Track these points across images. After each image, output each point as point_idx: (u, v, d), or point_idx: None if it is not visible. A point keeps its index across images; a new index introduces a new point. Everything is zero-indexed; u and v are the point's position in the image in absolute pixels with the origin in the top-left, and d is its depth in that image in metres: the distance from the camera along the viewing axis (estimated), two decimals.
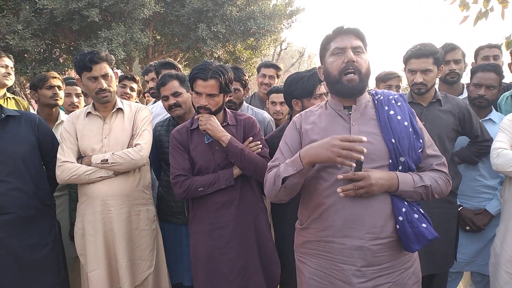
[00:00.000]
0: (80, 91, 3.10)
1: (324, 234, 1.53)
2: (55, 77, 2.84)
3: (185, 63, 13.68)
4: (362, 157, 1.35)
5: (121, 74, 3.49)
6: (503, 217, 2.29)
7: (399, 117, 1.54)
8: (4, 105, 3.02)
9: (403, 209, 1.47)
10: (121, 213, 2.23)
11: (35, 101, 2.93)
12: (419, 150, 1.54)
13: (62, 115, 2.91)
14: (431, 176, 1.53)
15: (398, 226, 1.47)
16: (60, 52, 11.91)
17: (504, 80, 2.76)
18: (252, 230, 2.15)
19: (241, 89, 2.89)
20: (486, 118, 2.61)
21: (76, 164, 2.20)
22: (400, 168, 1.50)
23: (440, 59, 2.35)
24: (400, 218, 1.46)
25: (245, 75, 2.92)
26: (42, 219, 2.22)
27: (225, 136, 2.03)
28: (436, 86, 2.57)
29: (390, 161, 1.49)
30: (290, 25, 13.87)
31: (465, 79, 3.08)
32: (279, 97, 3.00)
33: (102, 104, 2.28)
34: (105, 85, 2.20)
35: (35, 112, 2.85)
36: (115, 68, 2.37)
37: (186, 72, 5.15)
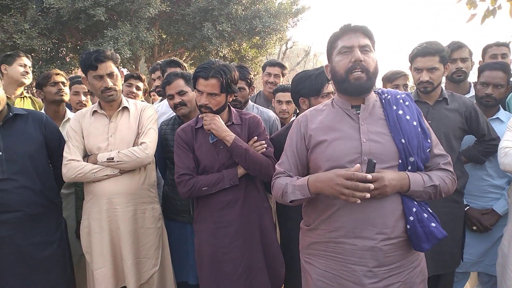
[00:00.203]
0: (87, 90, 3.11)
1: (334, 235, 1.52)
2: (59, 74, 2.88)
3: (191, 62, 13.71)
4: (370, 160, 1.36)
5: (127, 73, 3.50)
6: (511, 217, 2.26)
7: (408, 117, 1.53)
8: (20, 104, 3.09)
9: (414, 209, 1.47)
10: (126, 211, 2.24)
11: (42, 99, 2.96)
12: (428, 150, 1.53)
13: (69, 113, 2.93)
14: (439, 176, 1.53)
15: (408, 226, 1.47)
16: (67, 51, 12.00)
17: None
18: (256, 230, 2.14)
19: (246, 88, 2.88)
20: (494, 117, 2.58)
21: (82, 163, 2.21)
22: (409, 168, 1.49)
23: (446, 57, 2.33)
24: (411, 218, 1.46)
25: (250, 74, 2.92)
26: (49, 217, 2.23)
27: (230, 136, 2.03)
28: (443, 85, 2.55)
29: (400, 161, 1.49)
30: (295, 24, 13.85)
31: (473, 77, 3.06)
32: (285, 96, 2.99)
33: (108, 103, 2.29)
34: (110, 84, 2.21)
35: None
36: (121, 67, 2.38)
37: (191, 70, 5.15)
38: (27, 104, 3.21)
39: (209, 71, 1.98)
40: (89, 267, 2.30)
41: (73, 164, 2.19)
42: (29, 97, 3.27)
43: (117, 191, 2.22)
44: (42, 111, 2.88)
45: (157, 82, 3.63)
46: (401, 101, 1.58)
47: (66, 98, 2.87)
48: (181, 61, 3.23)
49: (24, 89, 3.33)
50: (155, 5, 10.35)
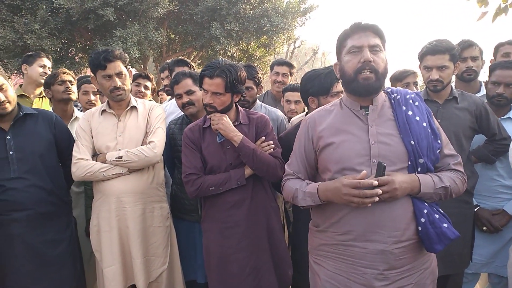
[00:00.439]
0: (96, 89, 3.14)
1: (344, 238, 1.52)
2: (66, 73, 2.88)
3: (199, 62, 13.74)
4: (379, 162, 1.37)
5: (135, 72, 3.53)
6: None
7: (417, 118, 1.51)
8: (39, 104, 3.15)
9: (425, 211, 1.46)
10: (135, 210, 2.25)
11: (50, 98, 2.99)
12: (437, 151, 1.52)
13: (77, 112, 2.96)
14: (449, 176, 1.51)
15: (420, 228, 1.45)
16: (76, 51, 12.10)
17: None
18: (264, 230, 2.14)
19: (254, 87, 2.88)
20: (505, 116, 2.55)
21: (91, 161, 2.23)
22: (419, 169, 1.48)
23: (456, 56, 2.31)
24: (422, 220, 1.45)
25: (258, 73, 2.91)
26: (59, 215, 2.26)
27: (237, 136, 2.02)
28: (453, 84, 2.52)
29: (409, 163, 1.47)
30: (303, 23, 13.77)
31: (484, 76, 3.02)
32: (294, 96, 2.97)
33: (117, 102, 2.31)
34: (119, 83, 2.23)
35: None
36: (129, 66, 2.40)
37: (199, 70, 5.16)
38: (45, 104, 3.27)
39: (214, 70, 1.98)
40: (99, 265, 2.32)
41: (82, 163, 2.21)
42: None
43: (126, 190, 2.24)
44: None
45: (166, 82, 3.65)
46: (410, 101, 1.56)
47: (74, 96, 2.89)
48: (189, 60, 3.24)
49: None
50: (163, 5, 10.39)
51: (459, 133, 2.30)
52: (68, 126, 2.68)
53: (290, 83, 3.31)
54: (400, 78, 3.31)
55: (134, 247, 2.24)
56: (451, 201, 2.17)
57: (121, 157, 2.19)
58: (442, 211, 1.51)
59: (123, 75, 2.26)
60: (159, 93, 5.25)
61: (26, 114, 2.23)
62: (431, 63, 2.30)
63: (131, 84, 2.42)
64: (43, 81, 3.16)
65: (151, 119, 2.35)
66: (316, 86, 2.10)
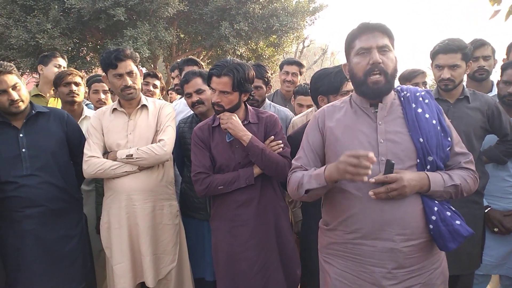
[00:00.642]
0: (107, 88, 3.17)
1: (352, 237, 1.51)
2: (72, 74, 2.83)
3: (208, 61, 13.79)
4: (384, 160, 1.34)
5: (144, 71, 3.55)
6: None
7: (427, 115, 1.50)
8: (54, 103, 3.19)
9: (436, 208, 1.44)
10: (145, 208, 2.27)
11: (59, 97, 3.00)
12: (447, 149, 1.50)
13: (86, 111, 2.97)
14: (460, 175, 1.49)
15: (431, 226, 1.44)
16: (87, 50, 12.23)
17: None
18: (272, 229, 2.14)
19: (264, 86, 2.88)
20: None
21: (102, 159, 2.25)
22: (428, 167, 1.46)
23: (468, 55, 2.28)
24: (433, 218, 1.43)
25: (268, 73, 2.91)
26: (70, 212, 2.29)
27: (246, 135, 2.02)
28: (464, 83, 2.50)
29: (418, 160, 1.46)
30: (313, 22, 13.73)
31: (496, 76, 2.98)
32: (307, 100, 2.92)
33: (127, 101, 2.33)
34: (130, 82, 2.25)
35: None
36: (140, 65, 2.41)
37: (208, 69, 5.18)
38: (60, 104, 3.30)
39: (221, 69, 1.99)
40: (108, 262, 2.35)
41: (93, 161, 2.24)
42: None
43: (136, 187, 2.26)
44: None
45: (176, 81, 3.67)
46: (420, 98, 1.55)
47: (79, 98, 2.85)
48: (198, 59, 3.26)
49: None
50: (173, 5, 10.45)
51: (469, 133, 2.28)
52: None
53: (301, 83, 3.29)
54: (409, 78, 3.28)
55: (144, 244, 2.26)
56: (460, 201, 2.15)
57: (132, 155, 2.21)
58: (454, 209, 1.50)
59: (134, 74, 2.28)
60: (169, 92, 5.28)
61: (38, 113, 2.26)
62: (443, 62, 2.28)
63: (141, 83, 2.44)
64: None
65: (161, 117, 2.36)
66: (326, 85, 2.10)
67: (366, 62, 1.47)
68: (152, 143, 2.29)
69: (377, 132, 1.49)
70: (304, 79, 4.16)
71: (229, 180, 2.07)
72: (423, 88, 3.18)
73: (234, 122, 2.03)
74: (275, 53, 14.07)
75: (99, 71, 9.73)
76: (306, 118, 2.61)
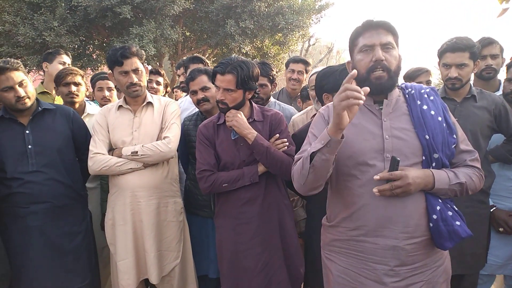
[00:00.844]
0: (112, 86, 3.17)
1: (355, 234, 1.51)
2: (72, 73, 2.78)
3: (214, 59, 13.79)
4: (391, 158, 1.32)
5: (150, 69, 3.56)
6: None
7: (432, 112, 1.49)
8: (60, 101, 3.16)
9: (438, 207, 1.43)
10: (149, 205, 2.28)
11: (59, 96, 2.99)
12: (453, 146, 1.49)
13: (89, 108, 2.94)
14: (465, 173, 1.48)
15: (431, 224, 1.44)
16: (94, 48, 12.27)
17: None
18: (276, 227, 2.14)
19: (269, 84, 2.87)
20: None
21: (107, 156, 2.26)
22: (433, 164, 1.45)
23: (476, 54, 2.26)
24: (434, 217, 1.43)
25: (273, 70, 2.90)
26: (75, 208, 2.30)
27: (251, 133, 2.02)
28: (471, 82, 2.48)
29: (424, 158, 1.45)
30: (318, 20, 13.66)
31: (503, 75, 2.95)
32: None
33: (133, 98, 2.34)
34: (135, 80, 2.26)
35: None
36: (145, 63, 2.42)
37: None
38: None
39: (225, 66, 1.99)
40: (113, 258, 2.36)
41: (98, 158, 2.25)
42: None
43: (140, 184, 2.27)
44: None
45: (181, 78, 3.68)
46: (425, 95, 1.54)
47: (78, 99, 2.82)
48: (203, 57, 3.26)
49: None
50: (179, 3, 10.45)
51: (476, 132, 2.26)
52: None
53: (305, 86, 3.26)
54: (413, 76, 3.26)
55: (148, 241, 2.27)
56: (466, 200, 2.14)
57: (137, 152, 2.22)
58: (456, 209, 1.49)
59: (140, 71, 2.29)
60: (174, 90, 5.28)
61: (44, 109, 2.27)
62: (450, 61, 2.26)
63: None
64: None
65: (166, 115, 2.37)
66: (331, 83, 2.09)
67: (369, 59, 1.46)
68: (157, 140, 2.29)
69: (383, 129, 1.48)
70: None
71: (233, 178, 2.07)
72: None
73: (240, 120, 2.02)
74: (281, 51, 14.04)
75: (105, 68, 9.77)
76: (306, 116, 2.61)
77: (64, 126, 2.32)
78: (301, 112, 2.74)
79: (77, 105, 2.85)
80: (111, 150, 2.33)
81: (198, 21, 12.34)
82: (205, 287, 2.63)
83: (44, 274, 2.15)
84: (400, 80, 1.61)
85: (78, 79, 2.80)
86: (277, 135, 2.13)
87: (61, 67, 3.27)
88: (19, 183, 2.11)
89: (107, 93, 3.15)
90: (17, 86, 2.12)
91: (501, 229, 2.44)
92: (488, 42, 2.73)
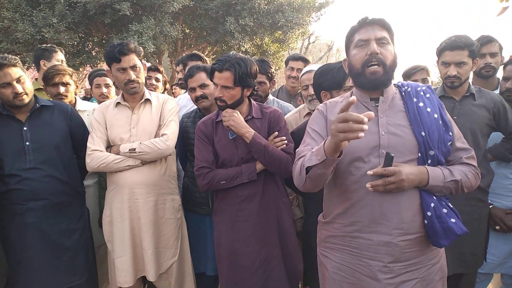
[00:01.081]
0: (110, 82, 3.17)
1: (350, 230, 1.51)
2: (60, 73, 2.69)
3: (213, 57, 13.78)
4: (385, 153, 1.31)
5: (149, 66, 3.55)
6: None
7: (429, 109, 1.49)
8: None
9: (432, 204, 1.43)
10: (147, 202, 2.28)
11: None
12: (449, 143, 1.49)
13: (79, 105, 2.84)
14: (461, 170, 1.48)
15: (426, 222, 1.44)
16: (93, 45, 12.26)
17: None
18: (274, 225, 2.14)
19: (267, 82, 2.87)
20: None
21: (105, 153, 2.26)
22: (429, 161, 1.45)
23: (475, 52, 2.26)
24: (429, 214, 1.43)
25: (271, 68, 2.90)
26: (73, 205, 2.29)
27: (249, 132, 2.02)
28: (470, 80, 2.47)
29: (419, 154, 1.45)
30: (318, 18, 13.67)
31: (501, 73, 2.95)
32: None
33: (131, 95, 2.33)
34: (133, 76, 2.25)
35: None
36: (144, 60, 2.41)
37: None
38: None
39: (223, 63, 1.98)
40: (110, 255, 2.36)
41: (96, 154, 2.24)
42: None
43: (138, 181, 2.26)
44: None
45: (180, 75, 3.67)
46: (421, 93, 1.54)
47: (67, 100, 2.74)
48: (202, 54, 3.26)
49: None
50: (178, 0, 10.44)
51: (475, 130, 2.26)
52: None
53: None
54: (409, 74, 3.25)
55: (146, 238, 2.27)
56: (465, 199, 2.14)
57: (135, 149, 2.21)
58: (451, 206, 1.49)
59: (138, 68, 2.28)
60: (173, 87, 5.27)
61: (42, 106, 2.26)
62: (449, 59, 2.26)
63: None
64: None
65: (164, 112, 2.36)
66: (328, 81, 2.09)
67: (364, 53, 1.47)
68: (155, 138, 2.29)
69: (379, 125, 1.48)
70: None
71: (231, 175, 2.07)
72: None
73: (236, 119, 2.02)
74: (280, 49, 14.04)
75: (105, 65, 9.74)
76: (299, 115, 2.61)
77: (62, 123, 2.31)
78: (294, 110, 2.73)
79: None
80: (109, 147, 2.32)
81: (198, 18, 12.33)
82: (203, 284, 2.64)
83: (41, 271, 2.15)
84: (399, 79, 1.60)
85: (66, 79, 2.73)
86: (276, 132, 2.13)
87: None
88: (17, 180, 2.11)
89: (105, 90, 3.14)
90: (14, 83, 2.11)
91: (497, 227, 2.44)
92: (487, 40, 2.72)
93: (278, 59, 13.79)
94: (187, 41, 13.77)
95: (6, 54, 2.15)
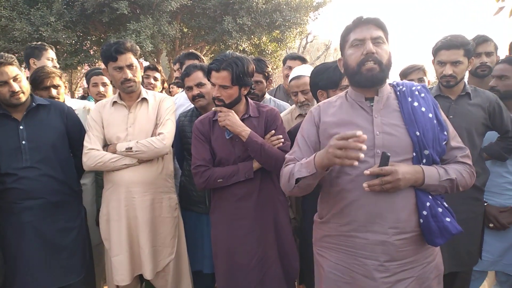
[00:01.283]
0: (107, 81, 3.16)
1: (346, 229, 1.52)
2: (50, 76, 2.60)
3: (211, 56, 13.78)
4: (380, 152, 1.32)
5: (146, 65, 3.56)
6: None
7: (423, 109, 1.50)
8: None
9: (427, 203, 1.44)
10: (144, 200, 2.28)
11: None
12: (444, 143, 1.50)
13: (68, 103, 2.70)
14: (455, 169, 1.49)
15: (421, 221, 1.44)
16: (91, 43, 12.26)
17: None
18: (271, 223, 2.15)
19: (264, 81, 2.87)
20: None
21: (102, 152, 2.26)
22: (424, 161, 1.46)
23: (471, 51, 2.27)
24: (424, 213, 1.43)
25: (268, 67, 2.90)
26: (70, 204, 2.30)
27: (245, 131, 2.02)
28: (466, 80, 2.48)
29: (414, 154, 1.46)
30: (316, 17, 13.71)
31: None
32: None
33: (127, 94, 2.33)
34: (130, 75, 2.25)
35: None
36: (142, 59, 2.41)
37: None
38: None
39: (220, 63, 1.99)
40: (107, 254, 2.36)
41: (93, 153, 2.24)
42: None
43: (135, 180, 2.27)
44: None
45: (177, 74, 3.67)
46: (416, 92, 1.55)
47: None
48: (199, 53, 3.26)
49: None
50: None
51: (471, 129, 2.27)
52: None
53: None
54: (406, 73, 3.26)
55: (142, 237, 2.28)
56: (461, 197, 2.15)
57: (131, 148, 2.21)
58: (446, 205, 1.50)
59: (134, 67, 2.28)
60: (170, 86, 5.28)
61: (38, 105, 2.26)
62: (445, 58, 2.26)
63: (141, 76, 2.44)
64: None
65: (161, 111, 2.37)
66: (325, 80, 2.09)
67: (360, 53, 1.47)
68: (152, 137, 2.29)
69: (373, 125, 1.49)
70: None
71: (228, 173, 2.07)
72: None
73: (232, 118, 2.02)
74: (278, 49, 14.05)
75: (103, 64, 9.72)
76: (290, 117, 2.62)
77: (59, 121, 2.31)
78: (286, 111, 2.74)
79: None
80: (106, 146, 2.32)
81: (196, 17, 12.32)
82: (200, 282, 2.64)
83: (38, 270, 2.15)
84: (397, 78, 1.61)
85: (56, 81, 2.64)
86: (273, 131, 2.13)
87: (50, 64, 3.18)
88: (13, 179, 2.10)
89: (102, 89, 3.14)
90: (11, 81, 2.11)
91: (491, 225, 2.45)
92: (482, 39, 2.73)
93: (276, 58, 13.81)
94: (185, 40, 13.76)
95: (2, 53, 2.15)
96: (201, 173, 2.09)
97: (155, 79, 3.48)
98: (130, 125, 2.31)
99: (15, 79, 2.13)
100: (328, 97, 2.07)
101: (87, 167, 2.27)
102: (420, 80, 3.09)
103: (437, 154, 1.48)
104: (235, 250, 2.10)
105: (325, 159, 1.34)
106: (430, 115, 1.49)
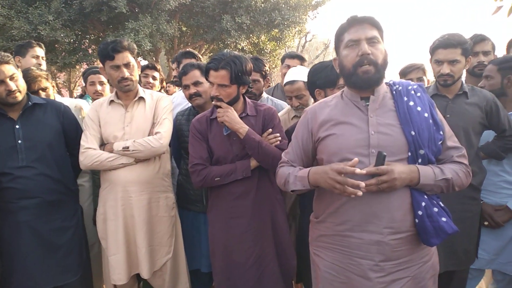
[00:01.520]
0: (104, 80, 3.15)
1: (341, 229, 1.52)
2: (37, 80, 2.55)
3: (210, 55, 13.76)
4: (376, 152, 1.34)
5: (143, 64, 3.55)
6: None
7: (419, 108, 1.49)
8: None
9: (423, 203, 1.44)
10: (141, 200, 2.28)
11: None
12: (439, 142, 1.49)
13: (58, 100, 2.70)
14: (451, 169, 1.49)
15: (417, 221, 1.44)
16: (89, 42, 12.24)
17: None
18: (268, 221, 2.15)
19: (261, 80, 2.87)
20: None
21: (98, 151, 2.25)
22: (419, 161, 1.46)
23: (468, 50, 2.27)
24: (420, 213, 1.43)
25: (265, 66, 2.90)
26: (66, 203, 2.29)
27: (243, 128, 2.03)
28: (463, 79, 2.49)
29: (409, 154, 1.46)
30: (315, 16, 13.70)
31: None
32: None
33: (125, 93, 2.32)
34: (127, 74, 2.24)
35: None
36: (141, 58, 2.40)
37: None
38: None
39: (219, 62, 1.99)
40: (104, 253, 2.36)
41: (90, 152, 2.24)
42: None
43: (132, 179, 2.26)
44: None
45: (175, 73, 3.67)
46: (412, 92, 1.54)
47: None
48: (196, 52, 3.25)
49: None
50: None
51: (468, 128, 2.27)
52: None
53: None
54: (405, 73, 3.26)
55: (139, 236, 2.27)
56: (458, 197, 2.15)
57: (128, 147, 2.21)
58: (442, 205, 1.50)
59: (131, 65, 2.28)
60: (167, 85, 5.27)
61: (35, 104, 2.25)
62: (442, 57, 2.26)
63: (139, 75, 2.43)
64: None
65: (158, 110, 2.36)
66: (322, 79, 2.10)
67: (355, 54, 1.46)
68: (149, 136, 2.29)
69: (369, 124, 1.48)
70: None
71: (226, 172, 2.07)
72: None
73: (230, 115, 2.03)
74: (277, 47, 14.03)
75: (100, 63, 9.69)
76: (287, 116, 2.62)
77: (55, 120, 2.30)
78: (283, 111, 2.74)
79: None
80: (103, 145, 2.32)
81: (194, 16, 12.31)
82: (197, 281, 2.64)
83: (34, 269, 2.14)
84: (396, 77, 1.61)
85: (44, 83, 2.60)
86: (270, 129, 2.13)
87: (34, 61, 3.12)
88: (9, 178, 2.10)
89: (99, 88, 3.13)
90: (7, 80, 2.10)
91: (486, 223, 2.45)
92: (480, 39, 2.73)
93: (274, 57, 13.80)
94: (183, 39, 13.74)
95: None
96: (199, 172, 2.09)
97: (154, 78, 3.48)
98: (127, 124, 2.31)
99: (11, 78, 2.12)
100: (326, 96, 2.07)
101: (84, 166, 2.26)
102: (420, 79, 3.09)
103: (432, 154, 1.47)
104: (232, 249, 2.10)
105: (322, 183, 1.45)
106: (426, 114, 1.49)
